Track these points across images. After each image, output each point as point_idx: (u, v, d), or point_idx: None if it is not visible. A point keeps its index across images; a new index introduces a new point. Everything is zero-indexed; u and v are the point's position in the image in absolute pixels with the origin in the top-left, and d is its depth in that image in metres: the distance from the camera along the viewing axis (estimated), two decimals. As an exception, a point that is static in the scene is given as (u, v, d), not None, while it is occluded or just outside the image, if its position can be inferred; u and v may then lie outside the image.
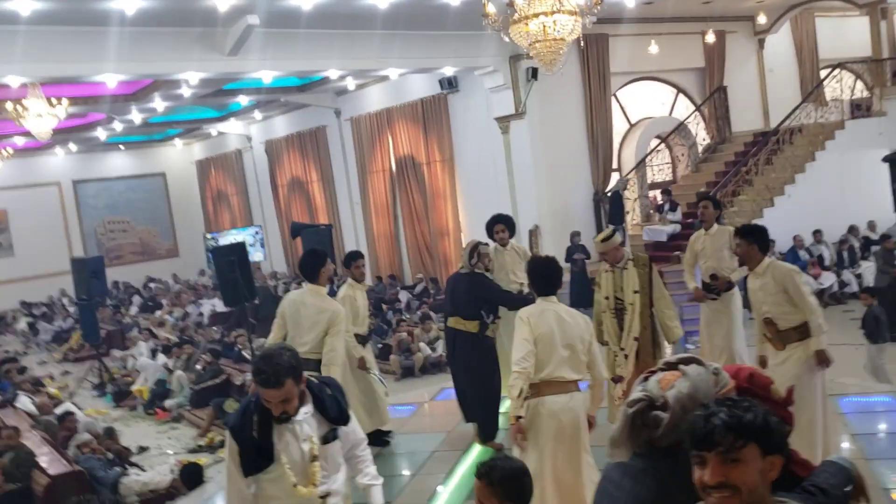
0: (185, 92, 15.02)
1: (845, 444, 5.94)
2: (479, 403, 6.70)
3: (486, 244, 7.00)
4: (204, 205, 27.10)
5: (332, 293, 7.39)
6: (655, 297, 6.39)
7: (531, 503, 2.82)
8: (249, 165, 24.37)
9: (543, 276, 4.82)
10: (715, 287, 7.03)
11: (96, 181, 25.26)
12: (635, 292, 6.29)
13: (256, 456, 3.26)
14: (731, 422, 1.78)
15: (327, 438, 3.39)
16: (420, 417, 8.06)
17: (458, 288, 6.73)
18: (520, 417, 4.48)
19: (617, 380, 6.30)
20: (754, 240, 5.41)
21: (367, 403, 7.11)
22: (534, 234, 14.77)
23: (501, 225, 7.48)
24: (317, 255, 6.05)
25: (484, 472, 2.80)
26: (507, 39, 7.14)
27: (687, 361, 2.29)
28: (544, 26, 6.71)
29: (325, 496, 3.35)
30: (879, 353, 9.03)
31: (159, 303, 21.76)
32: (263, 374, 3.15)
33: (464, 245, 7.38)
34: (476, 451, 6.69)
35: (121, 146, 24.81)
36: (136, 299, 22.71)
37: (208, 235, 22.85)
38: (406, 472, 6.65)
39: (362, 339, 7.21)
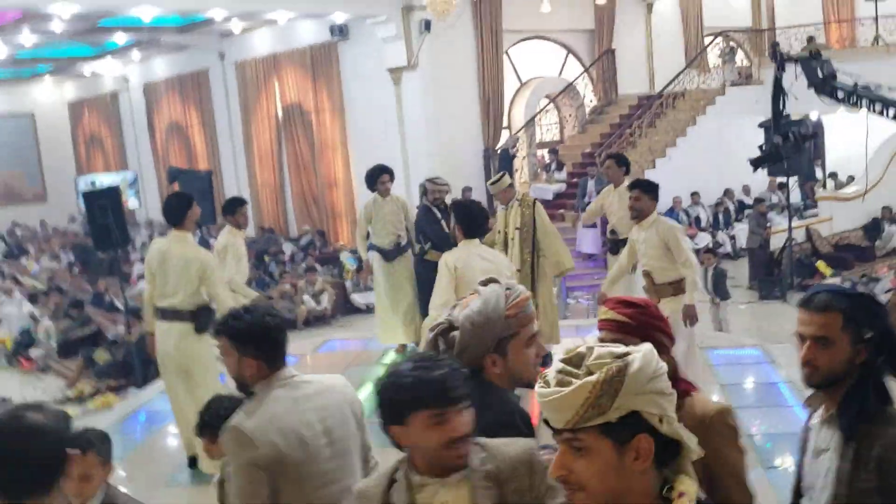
0: (57, 27, 14.01)
1: (714, 396, 6.17)
2: None
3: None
4: (76, 148, 25.60)
5: (203, 242, 7.09)
6: (541, 234, 6.80)
7: None
8: (126, 108, 23.14)
9: (469, 218, 4.92)
10: (613, 241, 7.23)
11: (-45, 119, 23.49)
12: (516, 229, 6.84)
13: None
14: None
15: None
16: (301, 369, 7.87)
17: None
18: None
19: None
20: (648, 190, 5.62)
21: None
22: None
23: (386, 175, 7.56)
24: (181, 198, 5.65)
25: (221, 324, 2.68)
26: (400, 7, 7.00)
27: (488, 283, 2.37)
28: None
29: None
30: (724, 307, 9.98)
31: (25, 249, 20.55)
32: None
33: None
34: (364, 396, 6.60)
35: (-16, 82, 23.10)
36: (0, 245, 21.36)
37: (83, 180, 21.60)
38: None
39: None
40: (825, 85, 7.14)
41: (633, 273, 6.59)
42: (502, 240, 6.99)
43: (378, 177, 7.54)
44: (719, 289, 9.96)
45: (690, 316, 5.47)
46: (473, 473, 1.94)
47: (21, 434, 1.78)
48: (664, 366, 1.51)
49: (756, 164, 7.74)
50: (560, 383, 1.46)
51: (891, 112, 6.74)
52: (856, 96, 6.88)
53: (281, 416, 2.58)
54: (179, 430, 5.60)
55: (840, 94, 7.04)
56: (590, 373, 1.45)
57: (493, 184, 7.08)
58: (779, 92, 7.40)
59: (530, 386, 2.19)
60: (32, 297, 13.19)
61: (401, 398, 1.90)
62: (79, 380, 10.13)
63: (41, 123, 25.18)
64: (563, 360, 1.51)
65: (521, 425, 2.21)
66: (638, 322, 2.27)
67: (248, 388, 2.71)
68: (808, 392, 2.27)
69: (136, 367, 9.33)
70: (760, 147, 10.04)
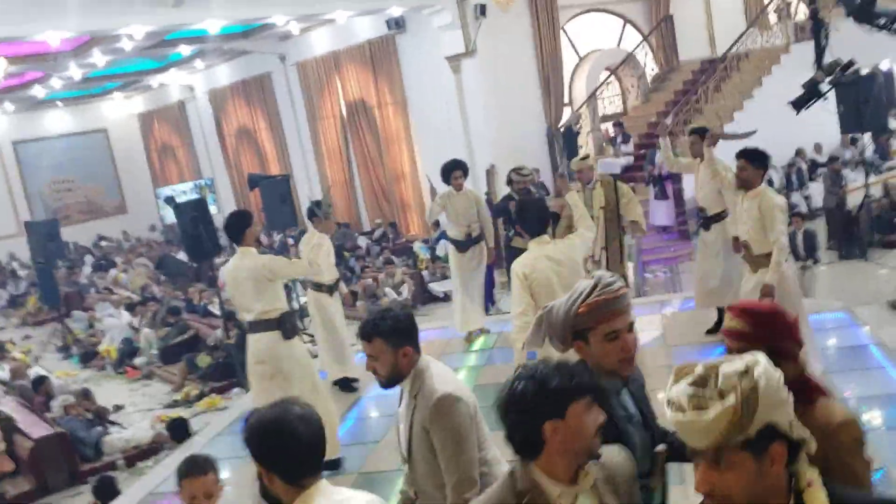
0: (127, 45, 14.58)
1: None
2: None
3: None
4: (149, 158, 26.52)
5: (283, 246, 7.38)
6: (623, 203, 7.14)
7: None
8: (194, 116, 23.86)
9: (535, 216, 4.88)
10: (704, 218, 7.11)
11: (37, 141, 24.48)
12: (601, 208, 7.06)
13: None
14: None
15: None
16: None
17: None
18: None
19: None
20: (755, 161, 5.50)
21: (334, 352, 7.25)
22: (490, 173, 14.86)
23: (459, 171, 7.83)
24: (241, 216, 5.75)
25: None
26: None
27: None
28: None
29: None
30: (811, 270, 9.80)
31: (112, 261, 21.45)
32: None
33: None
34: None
35: (58, 103, 24.04)
36: (89, 259, 22.32)
37: (163, 192, 22.36)
38: (387, 415, 6.73)
39: (329, 289, 7.30)
40: (864, 11, 6.72)
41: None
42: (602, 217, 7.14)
43: (452, 171, 7.82)
44: (811, 251, 9.81)
45: (768, 294, 5.46)
46: (596, 479, 2.03)
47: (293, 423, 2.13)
48: (781, 373, 1.67)
49: (797, 105, 7.38)
50: (697, 407, 1.61)
51: None
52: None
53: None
54: None
55: (882, 21, 6.58)
56: (721, 395, 1.59)
57: (582, 159, 7.32)
58: (818, 26, 7.09)
59: (619, 377, 2.40)
60: (129, 307, 13.84)
61: (562, 387, 1.94)
62: (184, 384, 10.64)
63: (114, 137, 26.14)
64: (691, 383, 1.64)
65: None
66: (762, 331, 2.25)
67: (397, 383, 3.03)
68: None
69: (237, 368, 9.78)
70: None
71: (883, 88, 13.13)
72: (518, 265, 4.79)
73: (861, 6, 6.67)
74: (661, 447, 2.34)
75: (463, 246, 7.96)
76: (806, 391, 2.14)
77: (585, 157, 7.41)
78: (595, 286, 2.42)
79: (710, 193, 6.92)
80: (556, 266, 4.76)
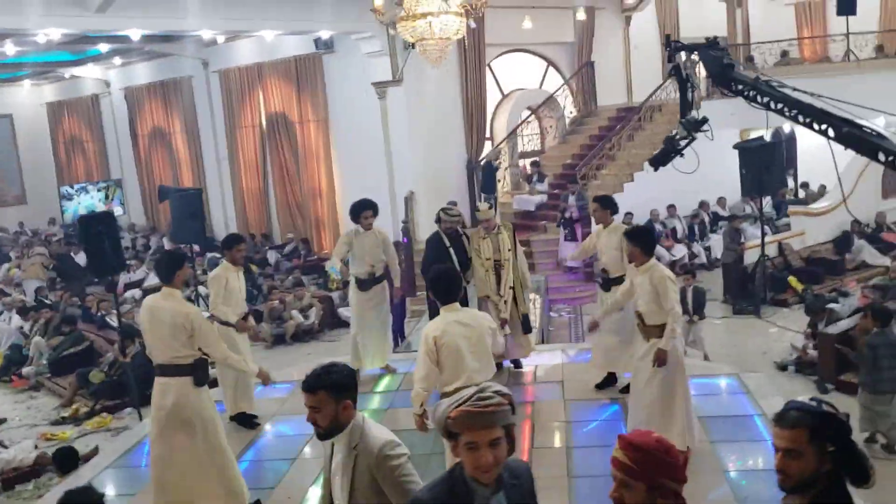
0: (41, 39, 14.07)
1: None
2: None
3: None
4: (55, 150, 25.51)
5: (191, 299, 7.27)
6: (518, 254, 7.78)
7: None
8: (107, 112, 23.14)
9: (445, 285, 5.09)
10: (605, 279, 7.39)
11: (-67, 121, 23.35)
12: (509, 250, 7.66)
13: None
14: None
15: None
16: (296, 396, 8.09)
17: None
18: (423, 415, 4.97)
19: (503, 322, 7.55)
20: (639, 242, 5.93)
21: (238, 387, 7.17)
22: (409, 200, 14.94)
23: (370, 211, 7.83)
24: (174, 258, 5.70)
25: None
26: (393, 33, 7.26)
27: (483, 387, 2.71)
28: (431, 25, 6.88)
29: None
30: (699, 326, 10.22)
31: (6, 255, 20.51)
32: None
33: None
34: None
35: (-39, 84, 22.98)
36: (-20, 250, 21.32)
37: (66, 189, 21.56)
38: (284, 458, 6.67)
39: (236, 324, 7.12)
40: (724, 76, 7.10)
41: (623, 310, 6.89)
42: (491, 266, 7.66)
43: (361, 212, 7.81)
44: (699, 308, 10.29)
45: (660, 359, 5.79)
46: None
47: None
48: None
49: (654, 162, 7.59)
50: None
51: (790, 112, 6.69)
52: (755, 90, 6.83)
53: None
54: (166, 484, 5.49)
55: (740, 87, 6.97)
56: None
57: (487, 209, 7.77)
58: (683, 83, 7.36)
59: (478, 482, 2.54)
60: (21, 311, 13.28)
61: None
62: (74, 399, 10.27)
63: (19, 124, 25.09)
64: None
65: None
66: (645, 469, 2.36)
67: (335, 434, 3.25)
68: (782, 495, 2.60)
69: (131, 387, 9.53)
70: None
71: (783, 153, 13.89)
72: (430, 329, 4.98)
73: (722, 70, 6.95)
74: None
75: (366, 285, 7.95)
76: None
77: (490, 208, 7.90)
78: (470, 397, 2.55)
79: (614, 258, 7.23)
80: (466, 331, 4.97)
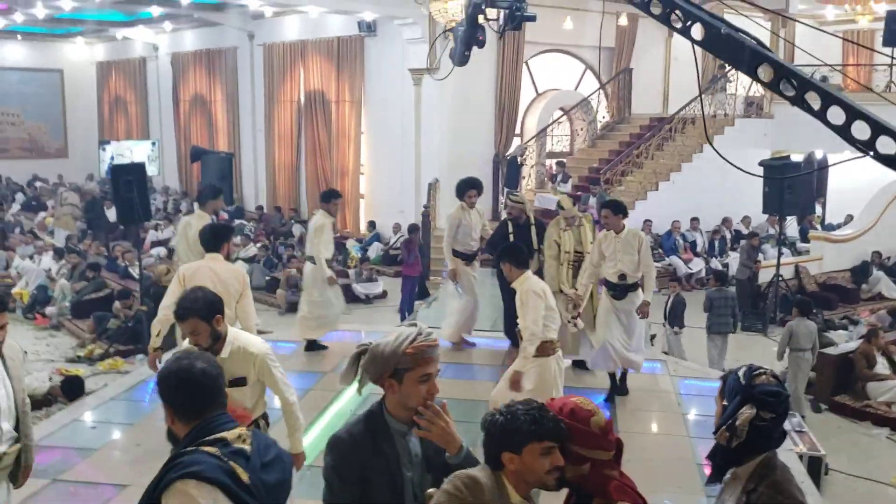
0: (98, -6, 14.56)
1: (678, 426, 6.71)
2: None
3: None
4: (100, 108, 26.18)
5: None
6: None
7: None
8: (152, 75, 23.70)
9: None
10: (621, 286, 7.09)
11: (-13, 68, 24.05)
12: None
13: None
14: None
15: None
16: (298, 356, 8.40)
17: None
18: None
19: (576, 317, 7.25)
20: (512, 260, 5.76)
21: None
22: (433, 187, 15.20)
23: (475, 190, 8.16)
24: (222, 229, 6.30)
25: None
26: (426, 12, 7.41)
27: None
28: (462, 8, 7.01)
29: None
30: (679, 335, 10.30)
31: (43, 203, 21.13)
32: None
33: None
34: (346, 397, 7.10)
35: (18, 36, 23.59)
36: (20, 197, 21.96)
37: (110, 148, 22.01)
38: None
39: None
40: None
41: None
42: (571, 259, 7.39)
43: (467, 190, 8.13)
44: (674, 318, 10.18)
45: (515, 381, 5.62)
46: None
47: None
48: None
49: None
50: None
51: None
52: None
53: None
54: None
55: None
56: None
57: (562, 208, 7.50)
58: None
59: (408, 421, 2.65)
60: (56, 252, 13.76)
61: (524, 430, 2.38)
62: (90, 341, 10.67)
63: (69, 80, 25.75)
64: None
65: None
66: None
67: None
68: None
69: (144, 335, 9.87)
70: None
71: (813, 177, 13.88)
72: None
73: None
74: (430, 490, 2.58)
75: (470, 259, 8.29)
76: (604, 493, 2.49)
77: (570, 206, 7.58)
78: (419, 333, 2.70)
79: (631, 263, 7.02)
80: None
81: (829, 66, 18.44)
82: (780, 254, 13.32)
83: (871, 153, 3.81)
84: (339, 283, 13.29)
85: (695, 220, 16.26)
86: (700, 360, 10.42)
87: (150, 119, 24.00)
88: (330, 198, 8.20)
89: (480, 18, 6.00)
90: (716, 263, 15.81)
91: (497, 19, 6.11)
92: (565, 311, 7.01)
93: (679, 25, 4.47)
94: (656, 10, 4.51)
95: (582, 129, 17.73)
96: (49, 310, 11.99)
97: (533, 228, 7.80)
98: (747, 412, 2.63)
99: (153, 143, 22.68)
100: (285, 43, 18.32)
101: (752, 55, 4.18)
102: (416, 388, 2.64)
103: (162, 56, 23.02)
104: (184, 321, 3.74)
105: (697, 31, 4.35)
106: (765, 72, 4.12)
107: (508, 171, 15.33)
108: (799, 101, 4.06)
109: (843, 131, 3.90)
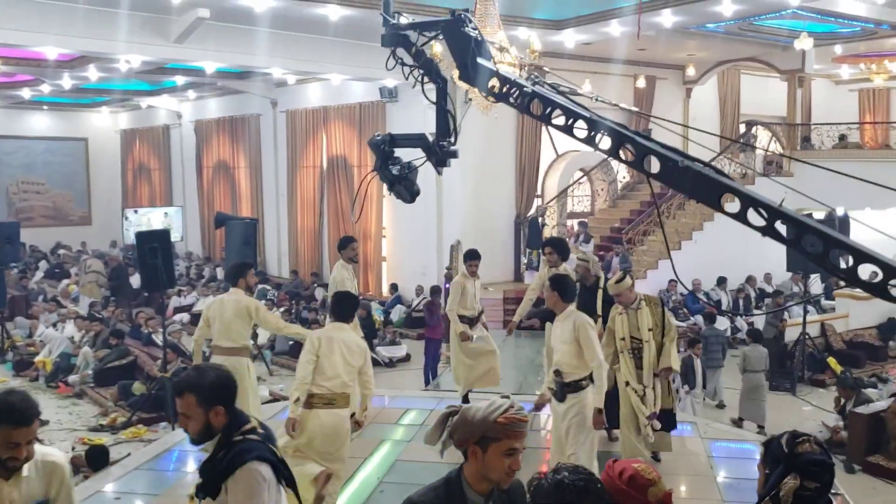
0: (123, 67, 14.90)
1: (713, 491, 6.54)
2: None
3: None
4: (124, 176, 26.63)
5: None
6: (666, 331, 6.70)
7: None
8: (176, 142, 24.13)
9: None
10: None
11: (14, 138, 24.53)
12: (649, 330, 6.60)
13: None
14: None
15: None
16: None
17: None
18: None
19: (651, 416, 6.64)
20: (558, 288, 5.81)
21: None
22: (455, 249, 15.21)
23: (477, 260, 8.55)
24: (241, 265, 7.30)
25: None
26: (448, 78, 7.47)
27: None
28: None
29: None
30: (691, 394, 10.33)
31: (67, 271, 21.31)
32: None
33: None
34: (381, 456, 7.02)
35: (44, 106, 24.20)
36: (43, 265, 22.17)
37: (133, 214, 22.27)
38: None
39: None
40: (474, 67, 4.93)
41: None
42: (629, 346, 6.62)
43: (471, 260, 8.58)
44: (685, 377, 10.19)
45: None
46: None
47: None
48: None
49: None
50: None
51: (568, 121, 4.70)
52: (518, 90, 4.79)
53: None
54: None
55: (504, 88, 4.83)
56: None
57: (616, 283, 6.66)
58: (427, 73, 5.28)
59: (498, 487, 2.69)
60: (80, 319, 13.81)
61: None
62: (113, 409, 10.62)
63: (93, 148, 26.29)
64: None
65: None
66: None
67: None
68: None
69: (168, 402, 9.81)
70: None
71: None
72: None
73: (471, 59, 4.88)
74: None
75: (473, 323, 8.55)
76: None
77: (622, 279, 6.66)
78: (511, 406, 2.71)
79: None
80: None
81: (847, 123, 18.63)
82: (805, 312, 13.13)
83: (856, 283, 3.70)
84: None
85: (722, 279, 16.11)
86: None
87: (174, 185, 24.35)
88: (346, 244, 8.19)
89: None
90: (741, 322, 15.63)
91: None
92: (643, 408, 6.57)
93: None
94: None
95: (602, 190, 17.78)
96: (72, 378, 11.97)
97: (600, 293, 7.40)
98: (791, 482, 2.58)
99: (167, 212, 22.84)
100: (308, 109, 18.63)
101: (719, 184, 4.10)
102: (500, 460, 2.66)
103: (185, 123, 23.47)
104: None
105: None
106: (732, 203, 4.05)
107: (530, 231, 15.35)
108: (770, 231, 3.97)
109: (821, 259, 3.78)
